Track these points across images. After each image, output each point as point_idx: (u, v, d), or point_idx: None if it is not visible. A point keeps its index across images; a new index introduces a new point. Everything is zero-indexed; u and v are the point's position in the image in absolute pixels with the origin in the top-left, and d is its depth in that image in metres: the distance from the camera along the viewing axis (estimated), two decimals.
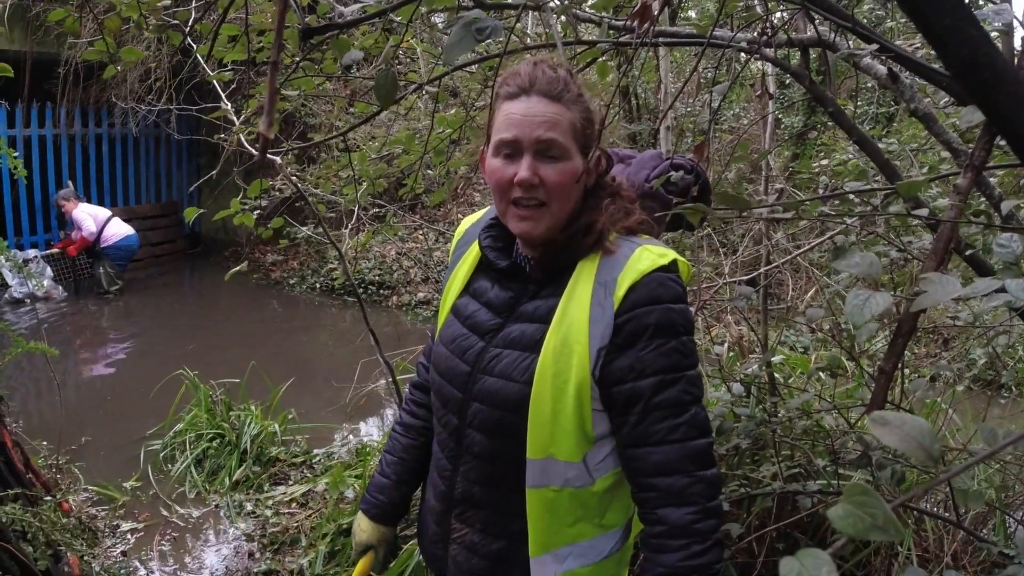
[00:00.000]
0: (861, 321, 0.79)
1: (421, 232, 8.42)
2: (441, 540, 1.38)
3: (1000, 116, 0.48)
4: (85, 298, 7.89)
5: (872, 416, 0.49)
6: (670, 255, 1.19)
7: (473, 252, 1.37)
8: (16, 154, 2.81)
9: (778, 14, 1.83)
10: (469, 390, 1.27)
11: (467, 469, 1.30)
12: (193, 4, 1.89)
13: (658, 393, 1.15)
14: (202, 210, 2.49)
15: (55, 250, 8.13)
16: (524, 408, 1.19)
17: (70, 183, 8.37)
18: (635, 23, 1.29)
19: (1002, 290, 0.73)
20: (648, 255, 1.18)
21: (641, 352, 1.15)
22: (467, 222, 1.47)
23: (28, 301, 7.50)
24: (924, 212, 1.07)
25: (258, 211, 2.43)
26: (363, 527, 1.55)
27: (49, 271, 7.84)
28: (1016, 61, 1.33)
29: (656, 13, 1.23)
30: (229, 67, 2.18)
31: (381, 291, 8.06)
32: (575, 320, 1.18)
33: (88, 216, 7.79)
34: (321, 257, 8.69)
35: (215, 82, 2.30)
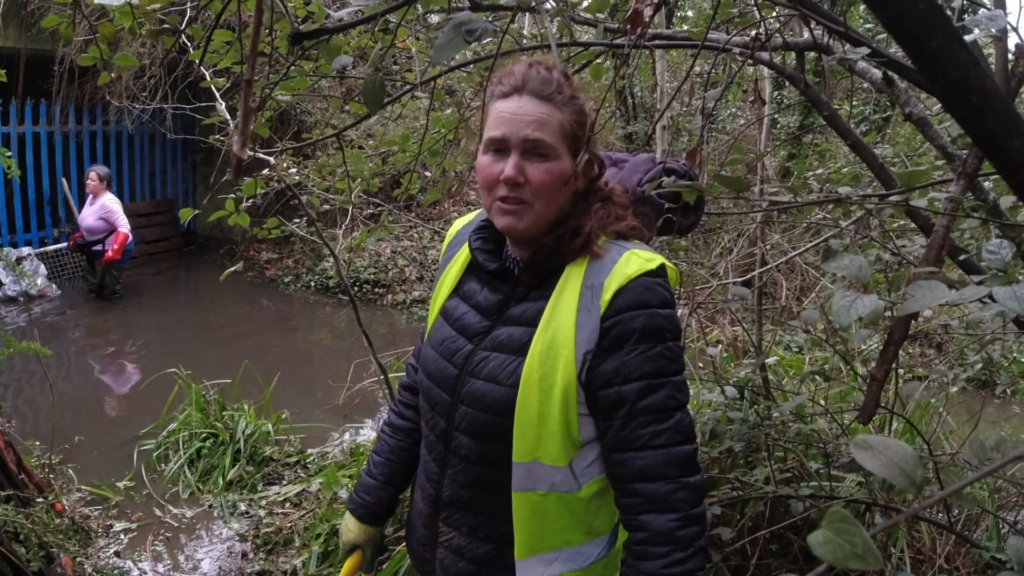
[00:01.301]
0: (847, 322, 0.80)
1: (416, 231, 8.41)
2: (429, 543, 1.38)
3: (988, 139, 0.48)
4: (80, 297, 7.85)
5: (855, 440, 0.48)
6: (658, 260, 1.19)
7: (463, 254, 1.37)
8: (9, 153, 2.81)
9: (774, 14, 1.83)
10: (457, 393, 1.27)
11: (454, 472, 1.30)
12: (188, 4, 1.88)
13: (643, 398, 1.14)
14: (197, 211, 2.48)
15: (61, 245, 7.94)
16: (510, 411, 1.19)
17: (64, 181, 8.33)
18: (628, 27, 1.29)
19: (990, 296, 0.73)
20: (636, 259, 1.18)
21: (627, 356, 1.14)
22: (459, 223, 1.47)
23: (21, 300, 7.46)
24: (923, 203, 1.07)
25: (251, 200, 2.41)
26: (350, 527, 1.55)
27: (43, 269, 7.79)
28: (1011, 68, 1.33)
29: (648, 18, 1.23)
30: (225, 71, 2.18)
31: (376, 289, 8.06)
32: (562, 324, 1.17)
33: (122, 210, 7.41)
34: (316, 256, 8.67)
35: (213, 81, 2.29)
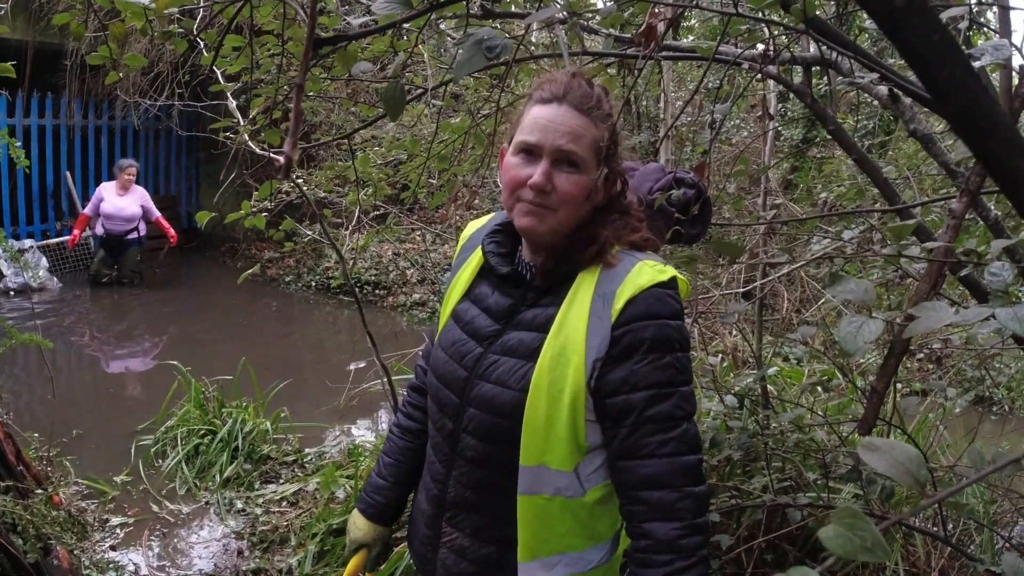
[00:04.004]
0: (854, 348, 0.81)
1: (418, 233, 8.41)
2: (431, 543, 1.39)
3: (995, 162, 0.50)
4: (81, 291, 7.85)
5: (863, 442, 0.50)
6: (669, 271, 1.21)
7: (476, 257, 1.38)
8: (18, 143, 2.83)
9: (782, 28, 1.85)
10: (466, 395, 1.28)
11: (460, 474, 1.31)
12: (200, 5, 1.89)
13: (650, 407, 1.16)
14: (213, 214, 2.48)
15: (63, 239, 8.00)
16: (519, 415, 1.20)
17: (68, 174, 8.34)
18: (641, 41, 1.31)
19: (992, 318, 0.74)
20: (648, 270, 1.19)
21: (636, 365, 1.16)
22: (472, 227, 1.48)
23: (18, 293, 7.46)
24: (915, 251, 1.09)
25: (275, 204, 2.44)
26: (359, 525, 1.56)
27: (45, 262, 7.80)
28: (1015, 89, 1.35)
29: (662, 33, 1.25)
30: (236, 73, 2.19)
31: (377, 291, 8.06)
32: (573, 330, 1.19)
33: None
34: (318, 255, 8.68)
35: (223, 85, 2.30)
